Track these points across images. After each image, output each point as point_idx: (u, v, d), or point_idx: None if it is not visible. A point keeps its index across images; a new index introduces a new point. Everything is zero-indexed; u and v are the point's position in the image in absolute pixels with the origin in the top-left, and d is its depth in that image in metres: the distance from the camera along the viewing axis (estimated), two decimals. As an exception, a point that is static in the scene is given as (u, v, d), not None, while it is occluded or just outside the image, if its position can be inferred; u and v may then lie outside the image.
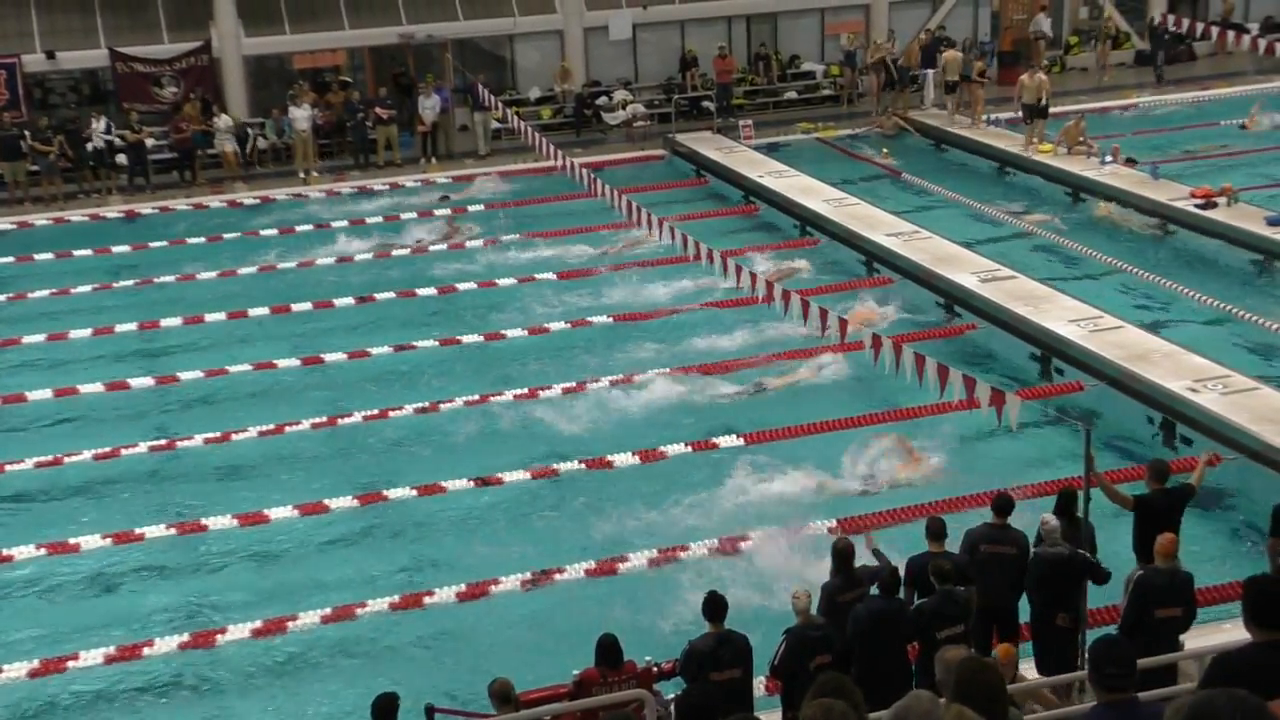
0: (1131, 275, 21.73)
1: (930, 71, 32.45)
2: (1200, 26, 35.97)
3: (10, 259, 25.23)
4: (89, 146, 28.80)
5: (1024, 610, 11.34)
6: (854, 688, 6.08)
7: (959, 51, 31.66)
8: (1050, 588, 10.87)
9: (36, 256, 25.28)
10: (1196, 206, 23.75)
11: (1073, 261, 22.84)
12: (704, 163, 29.52)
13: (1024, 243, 23.87)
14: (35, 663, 12.89)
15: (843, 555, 10.82)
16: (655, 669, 10.50)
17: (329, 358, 19.91)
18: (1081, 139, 27.54)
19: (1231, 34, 34.95)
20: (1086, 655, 7.67)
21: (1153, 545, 10.61)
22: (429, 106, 30.54)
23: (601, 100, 33.14)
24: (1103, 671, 6.32)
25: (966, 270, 21.30)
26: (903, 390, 16.91)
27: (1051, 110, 28.62)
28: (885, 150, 27.06)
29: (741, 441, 16.72)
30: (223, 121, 30.10)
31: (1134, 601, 10.28)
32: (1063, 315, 19.15)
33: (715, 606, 10.10)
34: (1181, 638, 10.40)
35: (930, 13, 35.76)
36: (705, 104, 32.86)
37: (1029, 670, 11.07)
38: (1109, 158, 26.49)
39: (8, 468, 16.87)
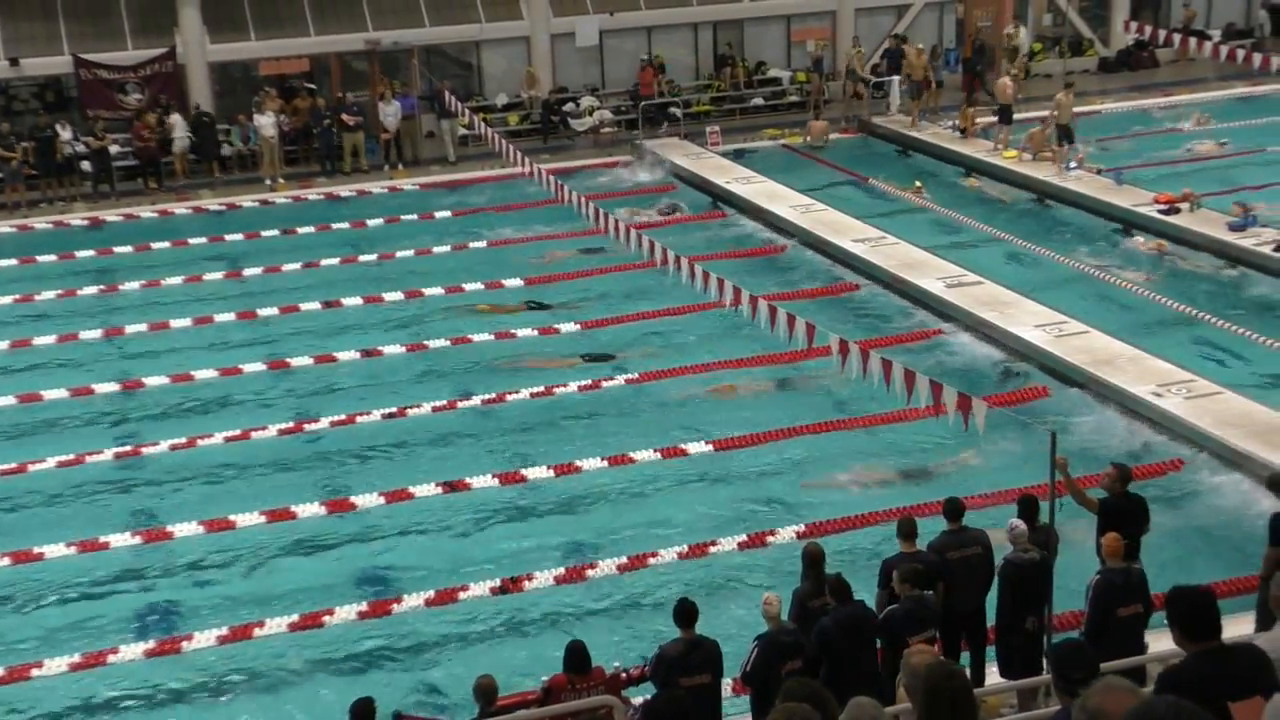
0: (1099, 281, 21.87)
1: (896, 78, 32.61)
2: (1163, 34, 36.27)
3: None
4: (56, 154, 28.59)
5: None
6: (825, 693, 6.11)
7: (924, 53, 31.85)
8: (1020, 591, 10.93)
9: (1, 263, 25.09)
10: (1160, 212, 23.95)
11: (1038, 266, 22.97)
12: (671, 169, 29.56)
13: (991, 249, 23.99)
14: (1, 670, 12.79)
15: (813, 560, 10.85)
16: (624, 675, 10.50)
17: (295, 362, 19.84)
18: (1047, 145, 27.73)
19: (1194, 40, 35.25)
20: (1048, 658, 7.71)
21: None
22: (389, 113, 30.46)
23: (569, 106, 33.13)
24: (1067, 676, 6.35)
25: (933, 275, 21.41)
26: (871, 396, 16.96)
27: (1016, 116, 28.84)
28: (919, 184, 27.10)
29: (710, 448, 16.76)
30: (175, 121, 29.92)
31: (1096, 603, 10.35)
32: (1029, 320, 19.28)
33: (685, 613, 10.10)
34: (1146, 639, 10.48)
35: (896, 19, 35.92)
36: (672, 110, 32.91)
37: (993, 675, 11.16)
38: (1074, 163, 26.67)
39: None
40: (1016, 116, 29.00)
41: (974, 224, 25.18)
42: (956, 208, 26.17)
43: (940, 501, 12.04)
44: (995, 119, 29.16)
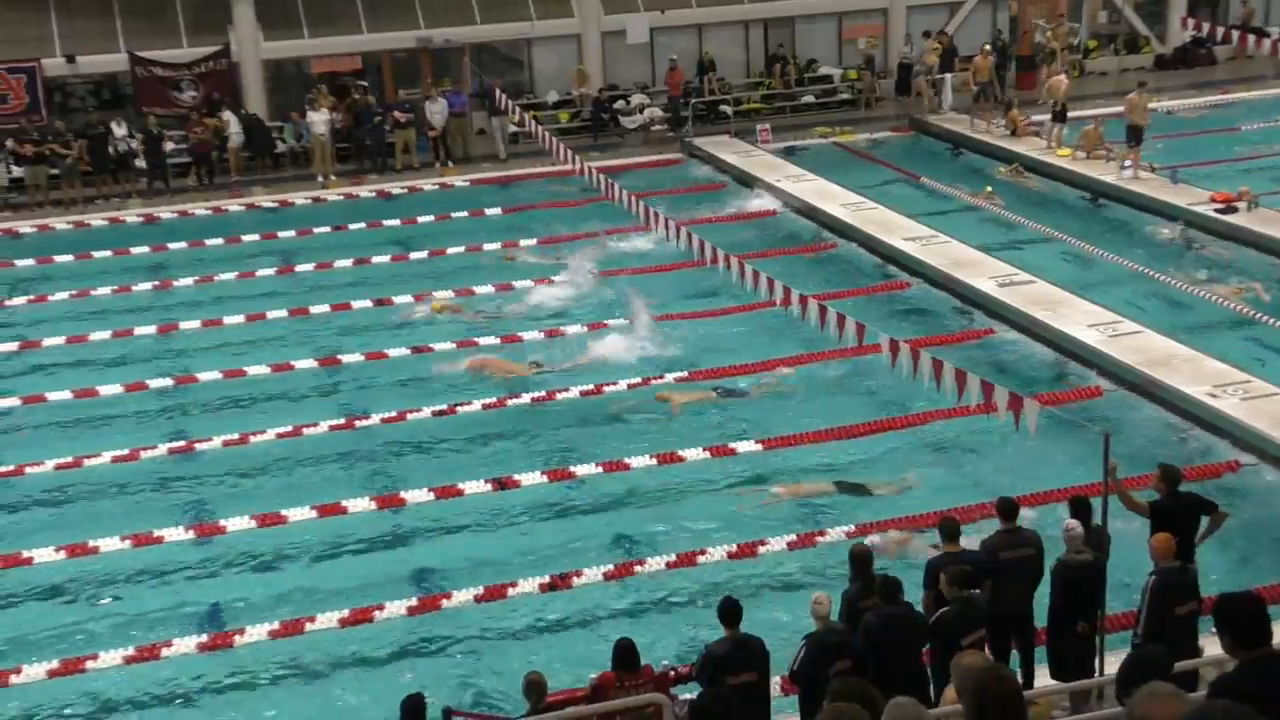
0: (1152, 280, 21.64)
1: (949, 76, 32.40)
2: (1221, 30, 35.85)
3: (31, 261, 25.38)
4: (111, 150, 28.94)
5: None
6: (874, 691, 6.08)
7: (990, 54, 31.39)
8: (1073, 594, 10.83)
9: (57, 259, 25.41)
10: (1216, 210, 23.67)
11: (1092, 266, 22.76)
12: (722, 167, 29.52)
13: (1045, 248, 23.78)
14: (55, 663, 12.93)
15: (861, 560, 10.80)
16: (672, 673, 10.50)
17: (346, 359, 19.97)
18: (1101, 144, 27.47)
19: (1252, 37, 34.80)
20: (1120, 669, 7.63)
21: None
22: (436, 111, 30.58)
23: (619, 104, 33.13)
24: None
25: (985, 274, 21.27)
26: (921, 394, 16.87)
27: (1070, 114, 28.58)
28: (989, 189, 26.53)
29: (759, 446, 16.72)
30: (228, 118, 30.19)
31: (1154, 604, 10.26)
32: (1082, 320, 19.11)
33: (730, 611, 10.09)
34: (1200, 641, 10.39)
35: (948, 16, 35.69)
36: (723, 108, 32.85)
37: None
38: (1128, 162, 26.40)
39: (27, 470, 16.95)
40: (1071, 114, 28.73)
41: (1027, 223, 24.96)
42: (1012, 208, 25.93)
43: (991, 502, 11.93)
44: (1048, 117, 28.89)
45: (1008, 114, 30.03)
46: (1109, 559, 11.04)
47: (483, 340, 20.55)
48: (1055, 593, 10.94)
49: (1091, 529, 11.07)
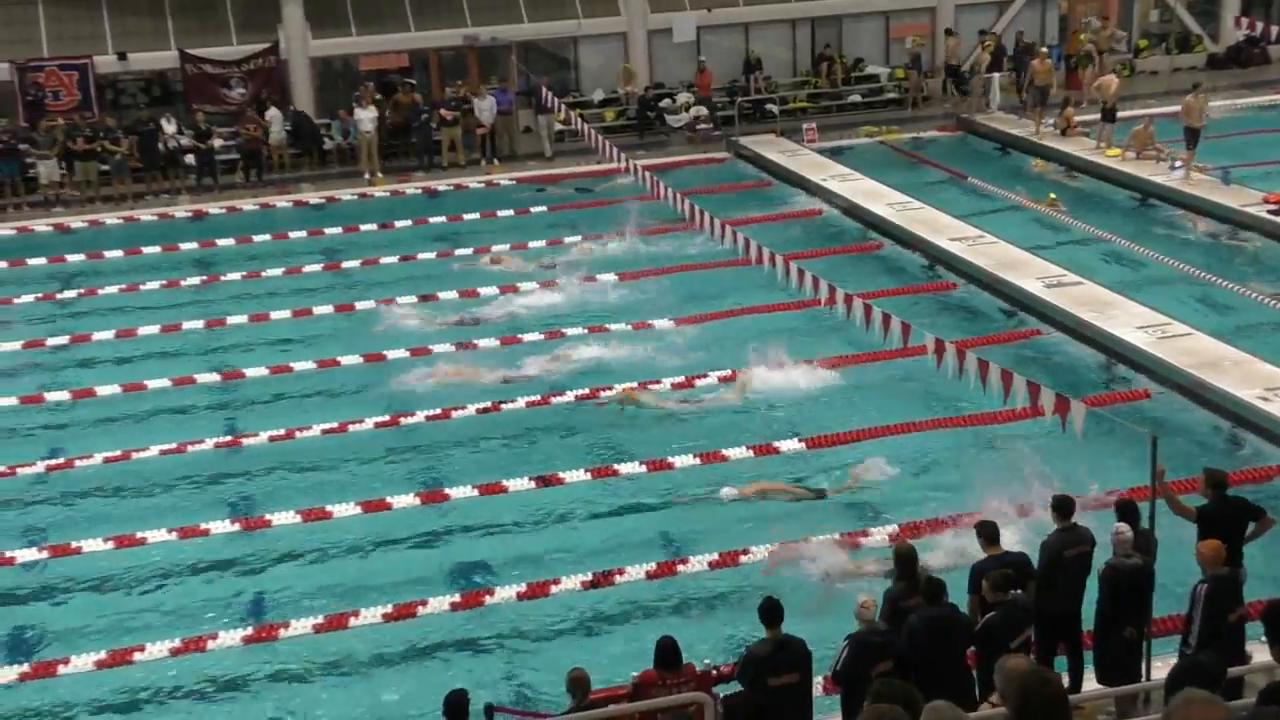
0: (1203, 282, 21.42)
1: (996, 75, 32.19)
2: (1275, 30, 35.45)
3: (81, 256, 25.66)
4: (160, 147, 29.22)
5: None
6: (914, 692, 6.05)
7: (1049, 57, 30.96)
8: (1122, 599, 10.72)
9: (107, 254, 25.67)
10: (1270, 212, 23.40)
11: (1142, 267, 22.56)
12: (767, 166, 29.46)
13: (1092, 248, 23.60)
14: (102, 654, 13.06)
15: (905, 559, 10.75)
16: (714, 672, 10.48)
17: (391, 355, 20.05)
18: (1151, 144, 27.22)
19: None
20: (1171, 676, 7.57)
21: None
22: (484, 108, 30.69)
23: (665, 103, 33.13)
24: None
25: (1032, 275, 21.12)
26: (966, 395, 16.78)
27: (1120, 114, 28.33)
28: (1053, 196, 25.94)
29: (802, 445, 16.67)
30: (273, 115, 30.41)
31: (1209, 611, 10.16)
32: (1130, 322, 18.93)
33: (772, 612, 10.06)
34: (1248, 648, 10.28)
35: (997, 15, 35.46)
36: (769, 107, 32.78)
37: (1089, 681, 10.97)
38: (1179, 163, 26.13)
39: (77, 463, 17.12)
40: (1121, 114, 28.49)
41: (1076, 224, 24.77)
42: (1030, 197, 25.77)
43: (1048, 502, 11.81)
44: (1097, 117, 28.65)
45: (1063, 112, 29.74)
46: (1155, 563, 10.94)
47: (526, 336, 20.58)
48: (1103, 597, 10.82)
49: (1139, 533, 10.97)
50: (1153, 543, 10.97)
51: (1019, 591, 10.45)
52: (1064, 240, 24.16)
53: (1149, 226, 24.69)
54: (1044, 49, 31.58)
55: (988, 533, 11.05)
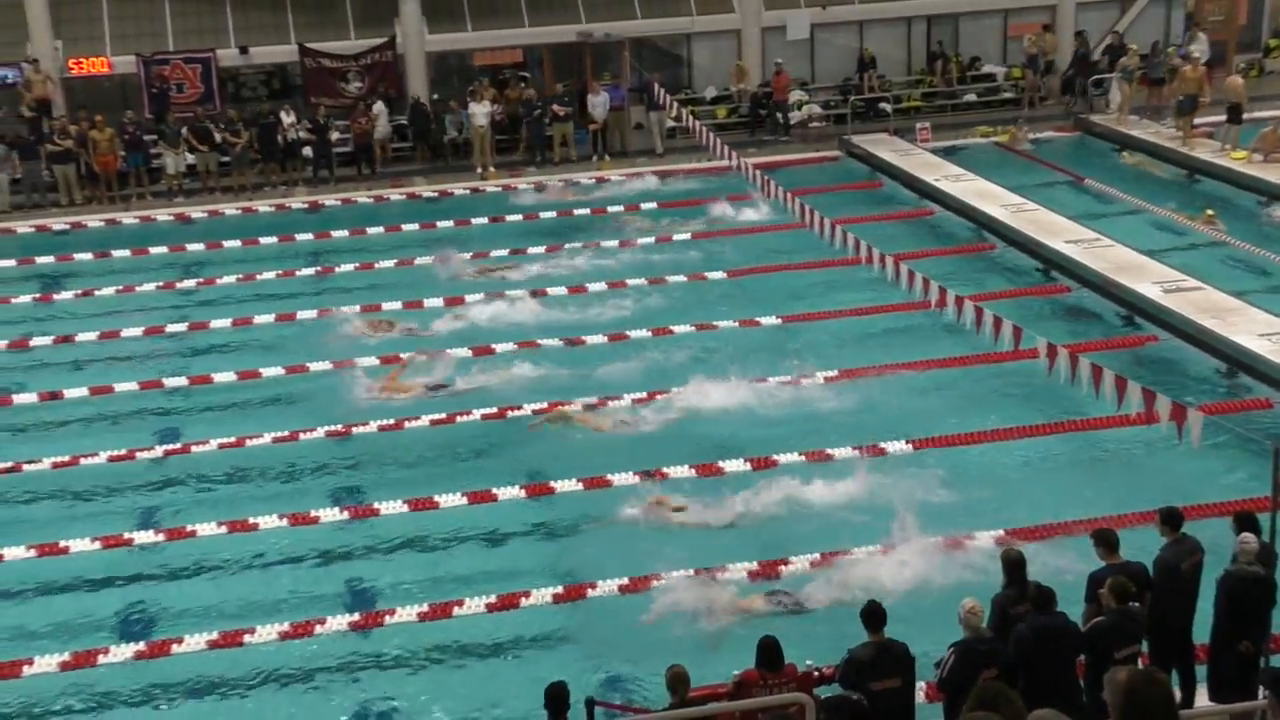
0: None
1: (1117, 76, 31.51)
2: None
3: (201, 246, 26.21)
4: (279, 139, 29.77)
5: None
6: (1014, 697, 5.94)
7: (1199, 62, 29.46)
8: (1239, 607, 10.42)
9: (225, 244, 26.21)
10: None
11: (1265, 273, 21.96)
12: (879, 165, 29.19)
13: (1212, 252, 23.03)
14: (215, 634, 13.33)
15: (1013, 565, 10.57)
16: (816, 673, 10.41)
17: (499, 348, 20.18)
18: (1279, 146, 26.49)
19: None
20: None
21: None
22: (598, 104, 30.79)
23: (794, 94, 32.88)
24: None
25: (1149, 280, 20.66)
26: (1082, 401, 16.47)
27: (1246, 115, 27.60)
28: (1209, 211, 24.42)
29: (909, 447, 16.48)
30: (379, 110, 30.77)
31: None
32: (1252, 328, 18.44)
33: (874, 615, 9.96)
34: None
35: (1119, 14, 34.75)
36: (883, 106, 32.47)
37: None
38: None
39: (194, 448, 17.49)
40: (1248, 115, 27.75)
41: (1197, 228, 24.18)
42: (1184, 211, 25.15)
43: (1153, 512, 11.56)
44: (1223, 118, 27.91)
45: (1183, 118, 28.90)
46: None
47: (633, 333, 20.61)
48: (1219, 606, 10.52)
49: (1263, 545, 10.66)
50: (1273, 556, 10.67)
51: (1136, 604, 10.21)
52: (1184, 244, 23.57)
53: (1274, 231, 24.02)
54: (1196, 54, 30.40)
55: (1107, 540, 10.80)
